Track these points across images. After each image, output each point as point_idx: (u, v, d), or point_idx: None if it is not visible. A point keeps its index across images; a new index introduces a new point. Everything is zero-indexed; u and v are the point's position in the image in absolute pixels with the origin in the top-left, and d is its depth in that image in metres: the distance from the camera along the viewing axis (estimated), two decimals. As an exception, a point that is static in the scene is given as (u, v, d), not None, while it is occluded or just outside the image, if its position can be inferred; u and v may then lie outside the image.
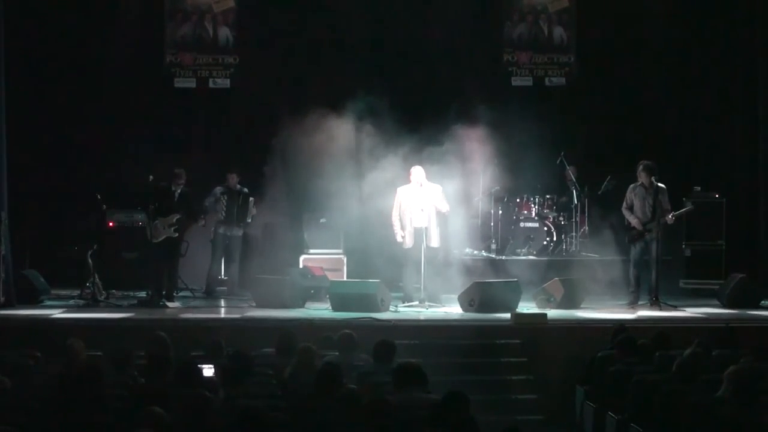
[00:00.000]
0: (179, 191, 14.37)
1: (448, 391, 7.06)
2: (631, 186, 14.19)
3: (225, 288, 15.45)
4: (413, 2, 17.12)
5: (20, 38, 15.34)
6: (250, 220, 15.36)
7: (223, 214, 15.22)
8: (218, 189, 15.28)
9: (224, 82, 17.46)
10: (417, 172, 13.82)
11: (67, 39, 16.59)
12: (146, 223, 14.38)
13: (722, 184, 16.23)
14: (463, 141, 14.63)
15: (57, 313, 13.20)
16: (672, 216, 13.94)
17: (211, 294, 15.20)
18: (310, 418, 7.16)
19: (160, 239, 14.17)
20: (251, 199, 15.30)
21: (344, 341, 9.40)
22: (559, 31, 17.83)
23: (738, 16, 16.73)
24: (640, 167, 14.04)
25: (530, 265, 15.89)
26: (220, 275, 15.54)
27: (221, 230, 15.35)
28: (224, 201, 15.20)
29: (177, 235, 14.28)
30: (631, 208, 14.10)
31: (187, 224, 14.46)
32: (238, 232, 15.41)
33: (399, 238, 13.86)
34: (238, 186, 15.34)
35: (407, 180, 13.87)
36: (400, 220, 13.84)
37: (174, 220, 14.21)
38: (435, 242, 13.80)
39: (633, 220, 14.05)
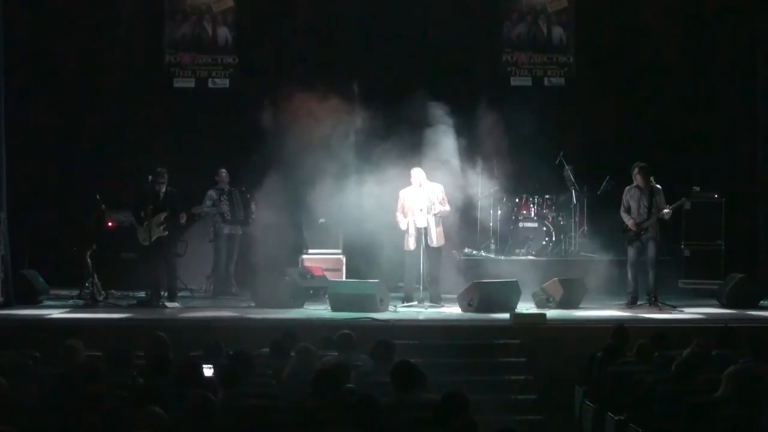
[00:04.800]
0: (164, 190, 14.27)
1: (447, 392, 7.06)
2: (627, 188, 14.20)
3: (222, 287, 15.43)
4: (413, 2, 17.12)
5: (20, 38, 15.33)
6: (254, 217, 15.44)
7: (228, 214, 15.24)
8: (212, 192, 15.24)
9: (223, 82, 17.48)
10: (417, 173, 13.83)
11: (67, 39, 16.60)
12: (136, 226, 14.32)
13: (722, 184, 16.24)
14: (462, 141, 14.62)
15: (56, 313, 13.21)
16: (668, 210, 13.92)
17: (218, 294, 15.17)
18: (309, 418, 7.16)
19: (152, 240, 14.12)
20: (248, 195, 15.38)
21: (343, 341, 9.40)
22: (558, 31, 17.84)
23: (737, 16, 16.72)
24: (636, 170, 14.05)
25: (529, 265, 15.90)
26: (225, 275, 15.54)
27: (226, 230, 15.37)
28: (226, 201, 15.22)
29: (167, 233, 14.18)
30: (628, 211, 14.11)
31: (174, 222, 14.37)
32: (239, 231, 15.47)
33: (402, 226, 13.77)
34: (228, 186, 15.37)
35: (407, 181, 13.88)
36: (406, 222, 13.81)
37: (162, 218, 14.13)
38: (435, 242, 13.80)
39: (629, 222, 14.06)
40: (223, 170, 15.47)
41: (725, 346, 9.55)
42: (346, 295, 13.48)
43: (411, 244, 13.79)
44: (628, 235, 14.15)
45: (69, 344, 8.90)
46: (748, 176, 16.61)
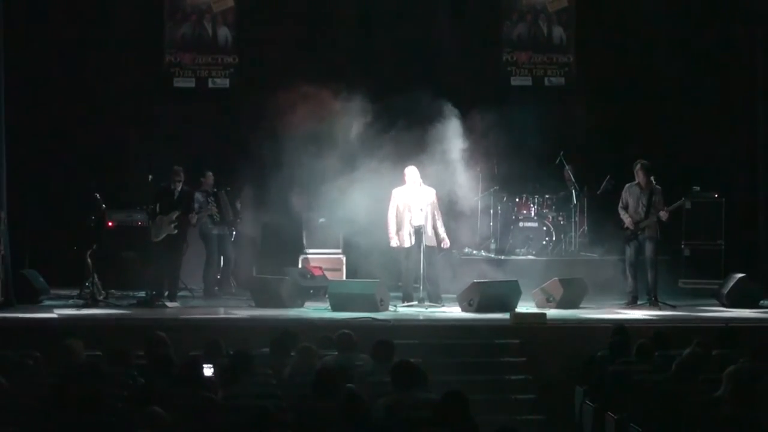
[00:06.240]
0: (179, 189, 14.33)
1: (447, 391, 7.06)
2: (627, 185, 14.22)
3: (218, 288, 15.41)
4: (412, 2, 17.12)
5: (20, 38, 15.31)
6: (241, 216, 15.46)
7: (218, 216, 15.24)
8: (198, 195, 15.16)
9: (223, 82, 17.46)
10: (412, 172, 13.84)
11: (67, 38, 16.58)
12: (148, 223, 14.37)
13: (722, 184, 16.23)
14: (462, 141, 14.62)
15: (56, 313, 13.20)
16: (667, 211, 13.93)
17: (210, 296, 15.16)
18: (309, 418, 7.16)
19: (161, 238, 14.14)
20: (233, 195, 15.41)
21: (343, 341, 9.40)
22: (558, 31, 17.83)
23: (738, 16, 16.72)
24: (638, 167, 14.08)
25: (529, 264, 15.89)
26: (218, 276, 15.53)
27: (215, 231, 15.37)
28: (213, 203, 15.20)
29: (177, 231, 14.21)
30: (626, 208, 14.12)
31: (185, 222, 14.38)
32: (227, 231, 15.47)
33: (393, 243, 13.89)
34: (212, 188, 15.39)
35: (403, 181, 13.89)
36: (397, 221, 13.85)
37: (174, 216, 14.15)
38: (431, 241, 13.82)
39: (626, 219, 14.07)
40: (210, 173, 15.48)
41: (725, 346, 9.55)
42: (346, 295, 13.48)
43: (407, 241, 13.79)
44: (625, 234, 14.17)
45: (69, 344, 8.90)
46: (748, 176, 16.60)
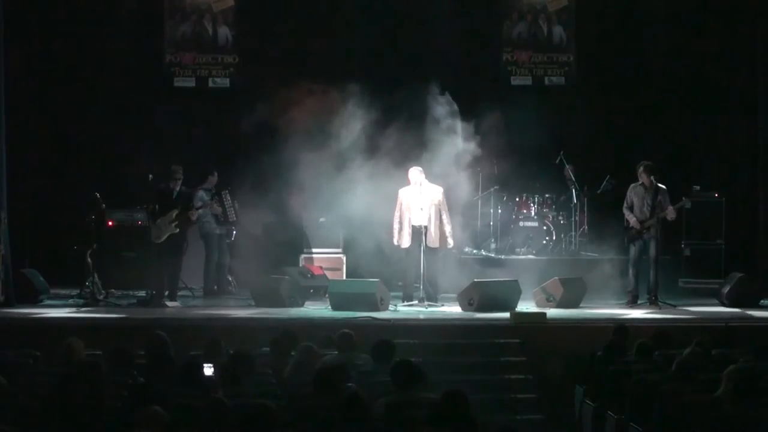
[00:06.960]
0: (178, 189, 14.31)
1: (447, 391, 7.06)
2: (631, 186, 14.22)
3: (218, 287, 15.40)
4: (413, 2, 17.12)
5: (20, 38, 15.32)
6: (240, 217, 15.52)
7: (222, 216, 15.25)
8: (202, 193, 15.16)
9: (224, 82, 17.47)
10: (415, 172, 13.85)
11: (67, 38, 16.60)
12: (149, 224, 14.35)
13: (722, 184, 16.25)
14: (462, 140, 14.63)
15: (56, 313, 13.20)
16: (674, 209, 13.92)
17: (210, 294, 15.16)
18: (309, 418, 7.16)
19: (163, 238, 14.12)
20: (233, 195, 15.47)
21: (343, 341, 9.40)
22: (558, 31, 17.84)
23: (738, 16, 16.73)
24: (641, 168, 14.07)
25: (530, 264, 15.89)
26: (226, 274, 15.53)
27: (218, 231, 15.37)
28: (217, 203, 15.20)
29: (178, 230, 14.19)
30: (631, 208, 14.13)
31: (185, 220, 14.37)
32: (228, 231, 15.48)
33: (395, 242, 13.92)
34: (214, 188, 15.41)
35: (405, 180, 13.90)
36: (400, 221, 13.88)
37: (174, 215, 14.13)
38: (434, 242, 13.81)
39: (631, 219, 14.07)
40: (215, 172, 15.50)
41: (725, 345, 9.56)
42: (346, 295, 13.48)
43: (406, 241, 13.80)
44: (629, 234, 14.17)
45: (69, 343, 8.90)
46: (748, 176, 16.61)
